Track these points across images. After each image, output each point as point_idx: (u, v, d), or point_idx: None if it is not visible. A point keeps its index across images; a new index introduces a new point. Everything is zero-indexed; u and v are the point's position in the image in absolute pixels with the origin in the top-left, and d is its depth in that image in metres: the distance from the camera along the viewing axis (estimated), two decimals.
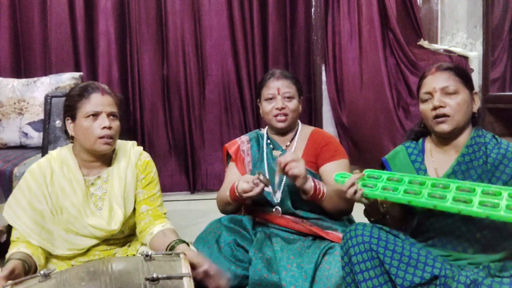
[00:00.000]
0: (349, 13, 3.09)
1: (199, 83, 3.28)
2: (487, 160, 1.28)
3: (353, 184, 1.27)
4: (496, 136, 1.33)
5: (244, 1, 3.21)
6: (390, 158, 1.45)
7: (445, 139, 1.35)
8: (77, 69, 3.13)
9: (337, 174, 1.35)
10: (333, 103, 3.26)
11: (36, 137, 2.51)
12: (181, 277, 1.09)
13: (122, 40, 3.20)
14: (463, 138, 1.33)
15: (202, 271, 1.24)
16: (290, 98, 1.67)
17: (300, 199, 1.56)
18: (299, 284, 1.34)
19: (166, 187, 3.22)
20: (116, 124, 1.43)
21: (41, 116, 2.46)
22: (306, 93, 3.22)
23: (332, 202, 1.53)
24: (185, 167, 3.32)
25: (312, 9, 3.33)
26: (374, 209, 1.32)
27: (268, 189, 1.57)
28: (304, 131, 1.75)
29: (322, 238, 1.52)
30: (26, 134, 2.53)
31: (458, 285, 1.11)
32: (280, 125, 1.67)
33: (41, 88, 2.56)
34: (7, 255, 1.33)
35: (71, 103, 1.42)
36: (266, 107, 1.69)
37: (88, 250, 1.44)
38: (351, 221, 1.72)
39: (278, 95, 1.66)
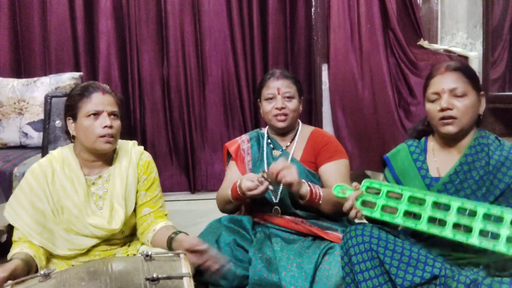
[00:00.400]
0: (349, 13, 3.09)
1: (199, 83, 3.28)
2: (489, 161, 1.27)
3: (353, 205, 1.25)
4: (499, 138, 1.33)
5: (244, 1, 3.21)
6: (392, 156, 1.44)
7: (449, 140, 1.34)
8: (77, 69, 3.12)
9: (335, 187, 1.31)
10: (334, 103, 3.26)
11: (36, 137, 2.51)
12: (181, 277, 1.09)
13: (122, 40, 3.20)
14: (467, 139, 1.32)
15: (201, 250, 1.27)
16: (290, 98, 1.67)
17: None
18: (299, 284, 1.34)
19: (166, 187, 3.22)
20: (117, 123, 1.43)
21: (41, 116, 2.46)
22: (306, 94, 3.21)
23: (329, 204, 1.52)
24: (185, 167, 3.32)
25: (312, 9, 3.33)
26: (374, 221, 1.32)
27: (272, 187, 1.56)
28: (304, 131, 1.75)
29: (322, 238, 1.52)
30: (26, 134, 2.53)
31: (458, 285, 1.11)
32: (280, 124, 1.67)
33: (41, 88, 2.56)
34: (9, 255, 1.33)
35: (72, 102, 1.42)
36: (266, 107, 1.69)
37: (89, 250, 1.44)
38: (350, 221, 1.72)
39: (278, 95, 1.66)
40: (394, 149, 1.46)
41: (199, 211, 2.84)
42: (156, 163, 1.61)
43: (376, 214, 1.23)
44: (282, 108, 1.65)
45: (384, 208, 1.24)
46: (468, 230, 1.11)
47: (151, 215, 1.51)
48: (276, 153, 1.72)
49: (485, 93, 1.35)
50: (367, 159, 3.15)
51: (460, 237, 1.10)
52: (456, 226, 1.13)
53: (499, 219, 1.10)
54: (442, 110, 1.27)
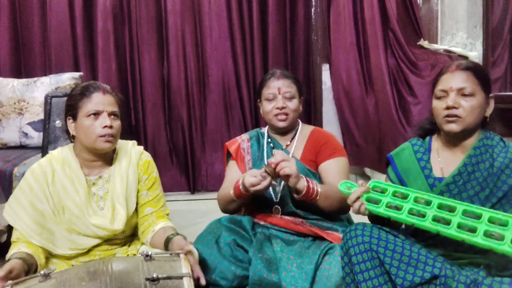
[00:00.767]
0: (349, 13, 3.09)
1: (199, 84, 3.28)
2: (493, 163, 1.27)
3: (358, 198, 1.25)
4: (504, 139, 1.32)
5: (244, 2, 3.21)
6: (396, 155, 1.44)
7: (453, 139, 1.34)
8: (77, 69, 3.12)
9: (341, 183, 1.32)
10: (338, 103, 3.26)
11: (36, 137, 2.51)
12: (181, 277, 1.09)
13: (122, 40, 3.20)
14: (471, 140, 1.32)
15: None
16: (290, 98, 1.67)
17: None
18: (299, 284, 1.33)
19: (166, 187, 3.18)
20: (117, 123, 1.43)
21: (41, 116, 2.46)
22: (305, 93, 3.22)
23: (328, 201, 1.52)
24: (185, 167, 3.32)
25: (312, 9, 3.33)
26: (377, 219, 1.32)
27: (275, 182, 1.56)
28: (304, 130, 1.75)
29: (322, 239, 1.51)
30: (26, 134, 2.53)
31: (458, 285, 1.10)
32: (281, 124, 1.67)
33: (41, 88, 2.56)
34: (8, 255, 1.33)
35: (72, 102, 1.42)
36: (267, 107, 1.69)
37: (89, 250, 1.44)
38: (350, 221, 1.72)
39: (279, 94, 1.66)
40: (398, 148, 1.45)
41: (199, 211, 2.84)
42: (156, 163, 1.61)
43: (381, 209, 1.22)
44: (283, 108, 1.66)
45: (388, 205, 1.23)
46: (472, 231, 1.11)
47: (153, 215, 1.51)
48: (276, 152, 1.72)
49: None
50: (367, 159, 3.15)
51: (465, 236, 1.10)
52: (460, 227, 1.13)
53: (504, 224, 1.10)
54: (448, 108, 1.27)
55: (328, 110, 3.39)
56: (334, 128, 3.33)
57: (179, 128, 3.31)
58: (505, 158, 1.26)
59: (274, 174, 1.45)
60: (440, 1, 3.16)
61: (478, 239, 1.08)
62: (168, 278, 1.07)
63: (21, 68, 3.15)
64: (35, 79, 2.64)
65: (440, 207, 1.19)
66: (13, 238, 1.39)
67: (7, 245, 1.40)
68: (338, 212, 1.63)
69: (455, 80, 1.28)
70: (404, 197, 1.24)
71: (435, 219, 1.16)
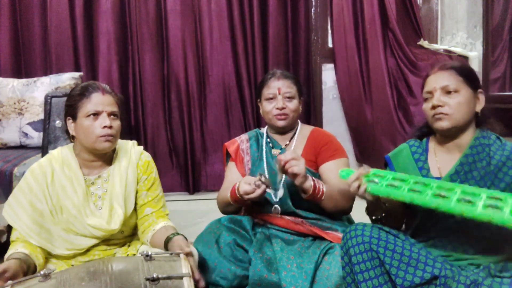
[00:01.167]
0: (349, 13, 3.09)
1: (199, 84, 3.27)
2: (490, 161, 1.27)
3: (357, 179, 1.24)
4: (501, 138, 1.33)
5: (244, 2, 3.20)
6: (393, 156, 1.44)
7: (447, 138, 1.34)
8: (77, 69, 3.12)
9: (342, 170, 1.33)
10: (343, 102, 3.26)
11: (36, 137, 2.51)
12: (181, 277, 1.09)
13: (122, 40, 3.20)
14: (467, 138, 1.32)
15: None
16: (290, 98, 1.68)
17: (300, 198, 1.55)
18: (299, 284, 1.34)
19: (166, 187, 3.20)
20: (116, 123, 1.43)
21: (41, 116, 2.46)
22: (305, 93, 3.22)
23: (332, 201, 1.53)
24: (185, 167, 3.32)
25: (312, 9, 3.33)
26: (376, 207, 1.32)
27: (270, 190, 1.57)
28: (303, 130, 1.76)
29: (322, 238, 1.52)
30: (26, 134, 2.53)
31: (458, 285, 1.11)
32: (281, 123, 1.68)
33: (41, 88, 2.56)
34: (6, 256, 1.33)
35: (72, 102, 1.42)
36: (267, 107, 1.69)
37: (88, 250, 1.44)
38: (350, 221, 1.72)
39: (279, 95, 1.66)
40: (396, 149, 1.46)
41: (199, 211, 2.84)
42: (156, 163, 1.60)
43: (381, 187, 1.20)
44: (283, 108, 1.66)
45: (388, 185, 1.22)
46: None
47: (153, 215, 1.51)
48: (275, 152, 1.72)
49: (485, 93, 1.35)
50: (367, 159, 3.15)
51: (464, 208, 1.07)
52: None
53: (502, 199, 1.08)
54: (434, 107, 1.29)
55: (328, 110, 3.39)
56: (334, 128, 3.32)
57: (179, 128, 3.30)
58: (502, 156, 1.26)
59: (281, 170, 1.45)
60: (440, 1, 3.16)
61: (477, 211, 1.06)
62: (168, 278, 1.07)
63: (21, 68, 3.15)
64: (35, 79, 2.64)
65: (439, 188, 1.18)
66: (12, 238, 1.39)
67: (7, 245, 1.40)
68: (341, 213, 1.63)
69: (438, 80, 1.31)
70: (404, 180, 1.23)
71: (435, 195, 1.14)
